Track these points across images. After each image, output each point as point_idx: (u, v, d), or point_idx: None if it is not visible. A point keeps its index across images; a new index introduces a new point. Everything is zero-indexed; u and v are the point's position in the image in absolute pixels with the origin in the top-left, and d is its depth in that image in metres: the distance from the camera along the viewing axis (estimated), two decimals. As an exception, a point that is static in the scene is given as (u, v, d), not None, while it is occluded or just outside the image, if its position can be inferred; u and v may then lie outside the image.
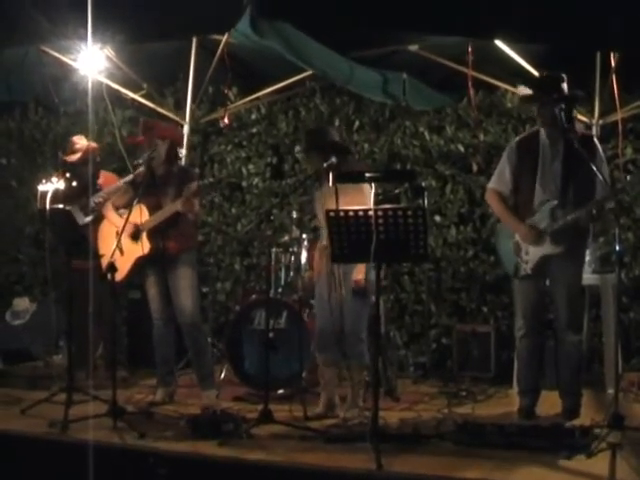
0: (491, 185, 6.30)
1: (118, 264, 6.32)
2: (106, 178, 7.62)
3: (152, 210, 6.52)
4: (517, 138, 6.35)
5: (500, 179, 6.22)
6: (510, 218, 6.14)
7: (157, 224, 6.48)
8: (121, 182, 7.04)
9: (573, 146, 5.75)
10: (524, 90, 6.79)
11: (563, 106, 5.79)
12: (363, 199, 5.67)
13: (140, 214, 6.45)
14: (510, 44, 7.00)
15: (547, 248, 5.95)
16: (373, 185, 5.24)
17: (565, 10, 5.58)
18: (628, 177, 7.40)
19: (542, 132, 6.06)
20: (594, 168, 5.56)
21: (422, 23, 6.15)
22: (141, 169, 6.54)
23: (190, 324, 6.57)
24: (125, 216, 6.34)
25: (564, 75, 5.97)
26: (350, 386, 6.13)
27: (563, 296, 5.98)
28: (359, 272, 5.97)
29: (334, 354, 6.12)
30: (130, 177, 6.83)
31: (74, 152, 7.53)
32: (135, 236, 6.52)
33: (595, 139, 6.09)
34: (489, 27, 6.05)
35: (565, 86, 5.95)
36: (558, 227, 5.87)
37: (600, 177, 5.62)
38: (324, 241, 6.10)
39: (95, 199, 7.08)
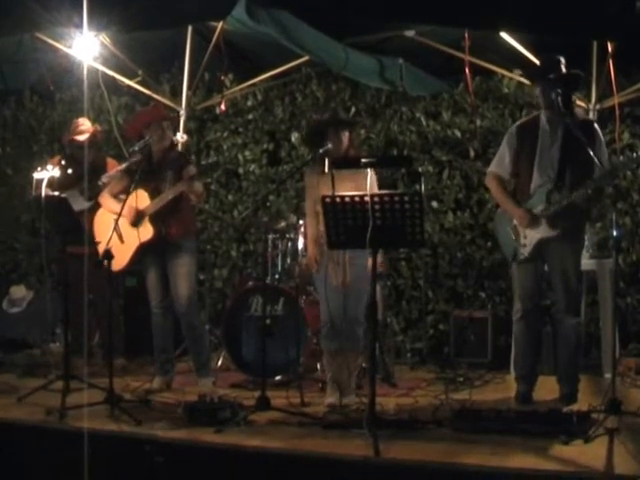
0: (491, 169, 6.30)
1: (119, 252, 6.34)
2: (113, 166, 7.61)
3: (151, 195, 6.51)
4: (518, 122, 6.35)
5: (500, 163, 6.22)
6: (507, 202, 6.13)
7: (159, 208, 6.46)
8: (123, 166, 7.00)
9: (572, 131, 5.74)
10: (521, 74, 6.77)
11: (560, 90, 5.78)
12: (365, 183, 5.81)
13: (136, 200, 6.43)
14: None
15: (544, 231, 5.94)
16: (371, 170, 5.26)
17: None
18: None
19: (542, 117, 6.05)
20: (591, 153, 5.55)
21: (421, 14, 6.15)
22: (137, 157, 6.51)
23: (187, 312, 6.57)
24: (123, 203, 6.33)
25: (562, 58, 5.96)
26: (347, 372, 6.13)
27: (561, 279, 5.96)
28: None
29: (340, 342, 6.09)
30: (125, 164, 6.80)
31: (81, 133, 7.48)
32: (137, 222, 6.50)
33: (595, 125, 6.06)
34: (489, 18, 6.07)
35: (563, 68, 5.94)
36: (554, 210, 5.86)
37: (597, 162, 5.61)
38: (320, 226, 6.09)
39: (103, 179, 7.02)
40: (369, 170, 5.92)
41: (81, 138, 7.42)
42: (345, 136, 6.08)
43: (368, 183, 5.83)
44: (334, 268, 6.06)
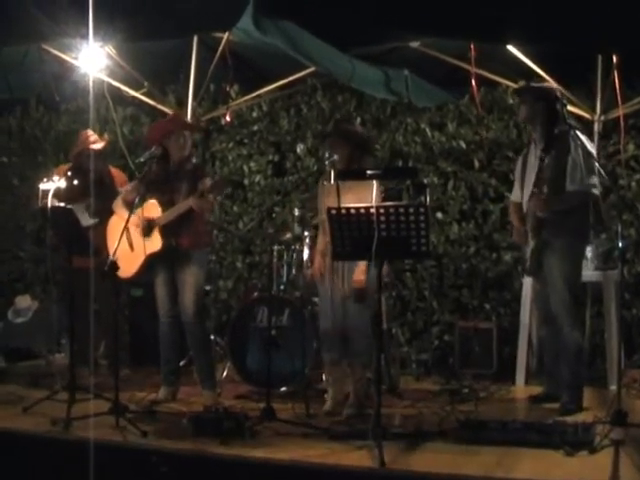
0: (511, 197, 6.70)
1: (128, 260, 6.35)
2: (115, 173, 7.63)
3: (164, 206, 6.49)
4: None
5: (514, 190, 6.55)
6: (514, 221, 6.50)
7: (170, 220, 6.46)
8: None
9: (547, 145, 6.02)
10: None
11: (522, 106, 6.25)
12: (370, 195, 5.77)
13: (143, 211, 6.44)
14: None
15: (530, 243, 6.17)
16: (375, 182, 5.27)
17: (569, 13, 5.63)
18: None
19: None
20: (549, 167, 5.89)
21: (427, 26, 6.21)
22: (153, 166, 6.50)
23: (192, 322, 6.55)
24: (136, 211, 6.36)
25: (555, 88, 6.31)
26: (352, 384, 6.14)
27: (550, 288, 6.12)
28: (360, 272, 5.97)
29: (340, 353, 6.14)
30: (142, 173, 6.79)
31: (94, 142, 7.47)
32: (147, 232, 6.50)
33: (572, 133, 6.07)
34: (495, 31, 6.14)
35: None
36: (531, 223, 6.11)
37: (568, 170, 5.90)
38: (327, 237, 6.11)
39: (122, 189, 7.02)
40: (374, 182, 5.94)
41: (97, 147, 7.43)
42: (344, 148, 6.09)
43: (374, 194, 5.83)
44: (337, 280, 6.09)
